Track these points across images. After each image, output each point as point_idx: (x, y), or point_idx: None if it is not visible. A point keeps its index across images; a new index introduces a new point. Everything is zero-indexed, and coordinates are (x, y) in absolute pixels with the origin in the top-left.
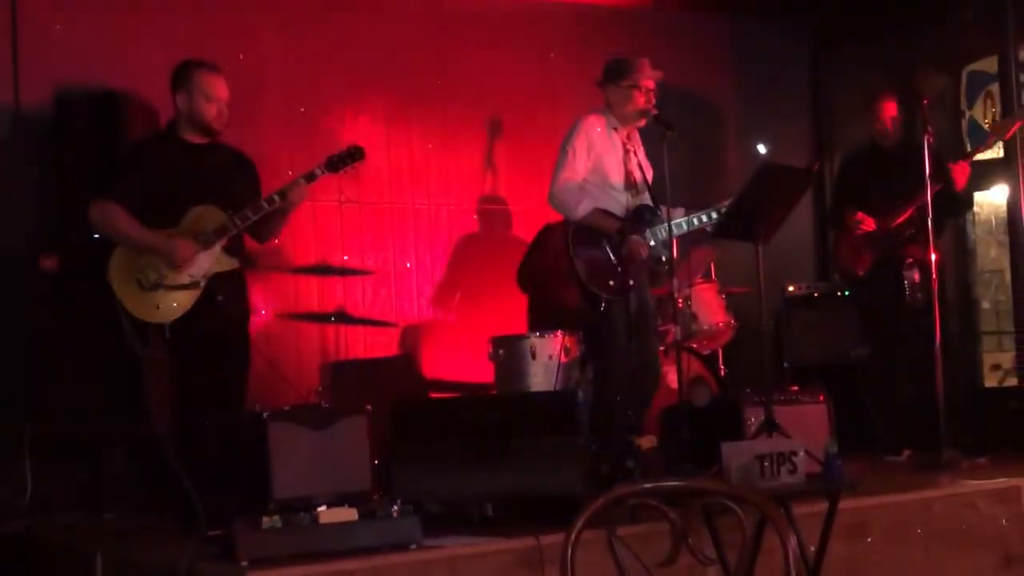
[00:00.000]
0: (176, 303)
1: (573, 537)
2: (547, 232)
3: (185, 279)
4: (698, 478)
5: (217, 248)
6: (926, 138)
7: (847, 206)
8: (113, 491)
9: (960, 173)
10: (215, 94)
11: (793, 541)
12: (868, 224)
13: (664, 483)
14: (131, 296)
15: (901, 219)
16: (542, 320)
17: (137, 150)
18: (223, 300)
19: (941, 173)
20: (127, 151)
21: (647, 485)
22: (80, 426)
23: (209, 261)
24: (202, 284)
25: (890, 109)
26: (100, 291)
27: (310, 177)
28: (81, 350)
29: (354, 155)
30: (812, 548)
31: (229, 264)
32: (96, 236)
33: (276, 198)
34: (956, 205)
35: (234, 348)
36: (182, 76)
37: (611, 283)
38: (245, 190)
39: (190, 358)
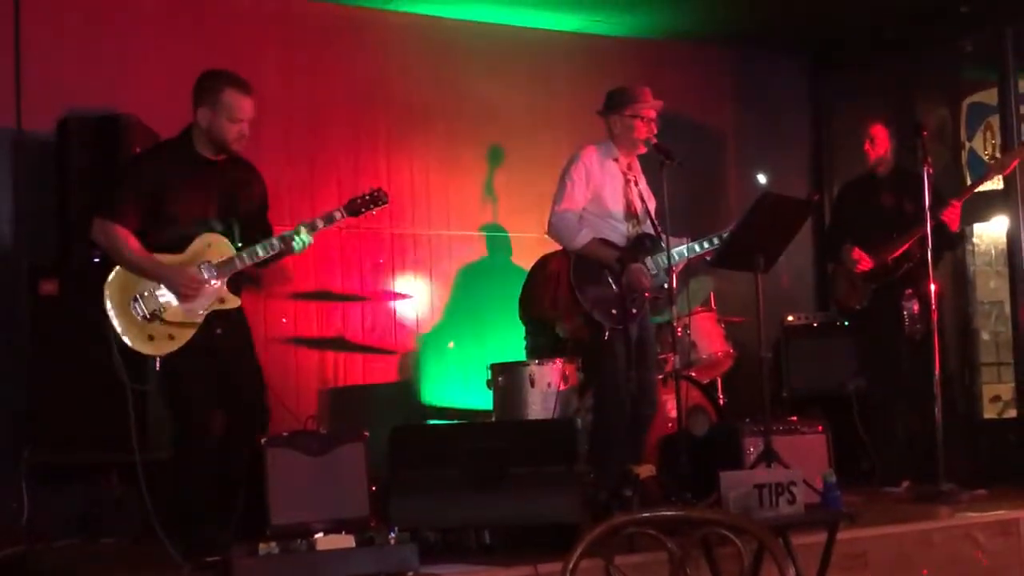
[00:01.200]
0: (172, 337)
1: (571, 566)
2: (546, 261)
3: (184, 315)
4: (697, 507)
5: (221, 284)
6: (926, 169)
7: (843, 238)
8: (110, 517)
9: (951, 217)
10: (241, 115)
11: (791, 571)
12: (865, 263)
13: (662, 512)
14: (125, 322)
15: (897, 253)
16: (541, 348)
17: (144, 162)
18: (221, 333)
19: (938, 207)
20: (134, 162)
21: (645, 514)
22: (77, 452)
23: (212, 297)
24: (200, 322)
25: (876, 132)
26: (99, 316)
27: (328, 219)
28: (80, 375)
29: (377, 200)
30: None
31: (232, 303)
32: (97, 259)
33: (277, 243)
34: (950, 240)
35: (240, 373)
36: (208, 90)
37: (614, 312)
38: (253, 209)
39: (187, 391)
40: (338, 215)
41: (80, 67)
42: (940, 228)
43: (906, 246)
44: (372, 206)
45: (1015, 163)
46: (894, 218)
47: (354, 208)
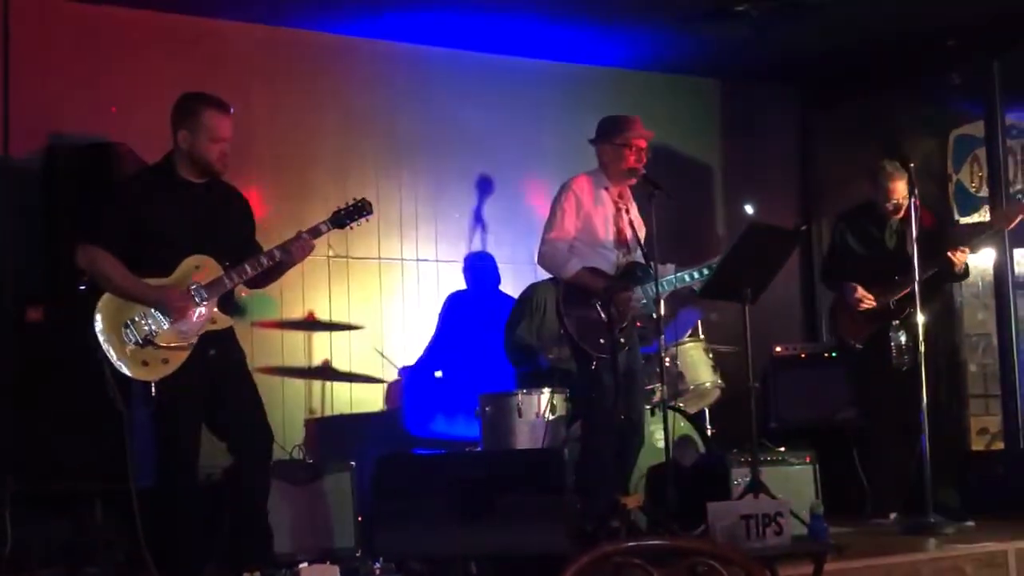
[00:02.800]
0: (166, 361)
1: None
2: (533, 291)
3: (176, 338)
4: (683, 538)
5: (211, 304)
6: (913, 201)
7: (843, 268)
8: (94, 546)
9: (959, 260)
10: (221, 135)
11: None
12: (869, 304)
13: (649, 542)
14: (118, 349)
15: (903, 294)
16: (529, 377)
17: (129, 187)
18: (215, 354)
19: (940, 256)
20: (118, 188)
21: (632, 544)
22: (62, 480)
23: (203, 319)
24: (194, 343)
25: (900, 191)
26: (86, 343)
27: (315, 232)
28: (65, 403)
29: (362, 209)
30: None
31: (224, 323)
32: (83, 287)
33: (277, 253)
34: (955, 277)
35: (236, 395)
36: (187, 112)
37: (601, 341)
38: (239, 230)
39: (179, 415)
40: (324, 228)
41: (69, 94)
42: (945, 269)
43: (909, 290)
44: (357, 216)
45: (1020, 216)
46: (899, 260)
47: (338, 219)
